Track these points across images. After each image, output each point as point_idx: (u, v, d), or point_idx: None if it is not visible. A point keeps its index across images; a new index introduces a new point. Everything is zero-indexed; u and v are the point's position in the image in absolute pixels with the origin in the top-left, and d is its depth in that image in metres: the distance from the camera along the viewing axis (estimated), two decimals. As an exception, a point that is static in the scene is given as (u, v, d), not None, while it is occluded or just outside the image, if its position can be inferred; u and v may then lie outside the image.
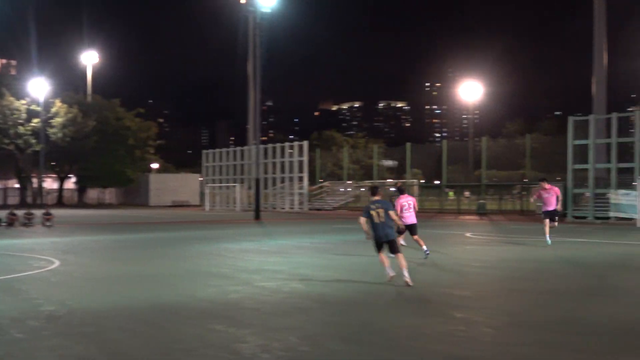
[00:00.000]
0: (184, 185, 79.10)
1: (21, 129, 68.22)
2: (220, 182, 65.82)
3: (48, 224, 33.67)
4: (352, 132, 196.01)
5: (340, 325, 9.22)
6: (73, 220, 41.22)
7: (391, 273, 12.80)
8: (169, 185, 78.05)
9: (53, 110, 69.72)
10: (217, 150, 70.08)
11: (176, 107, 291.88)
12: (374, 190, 13.31)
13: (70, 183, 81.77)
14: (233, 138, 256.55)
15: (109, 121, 74.83)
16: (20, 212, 35.07)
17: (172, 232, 29.24)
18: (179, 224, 37.64)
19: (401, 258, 12.76)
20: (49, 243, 23.24)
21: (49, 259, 17.79)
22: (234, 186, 61.75)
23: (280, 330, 8.72)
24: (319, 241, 23.77)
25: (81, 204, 76.43)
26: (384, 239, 12.76)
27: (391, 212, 12.78)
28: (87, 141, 70.97)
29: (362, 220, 12.81)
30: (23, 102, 68.92)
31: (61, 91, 75.05)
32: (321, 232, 27.51)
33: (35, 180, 73.25)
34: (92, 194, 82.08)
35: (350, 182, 64.61)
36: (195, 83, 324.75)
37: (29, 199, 71.86)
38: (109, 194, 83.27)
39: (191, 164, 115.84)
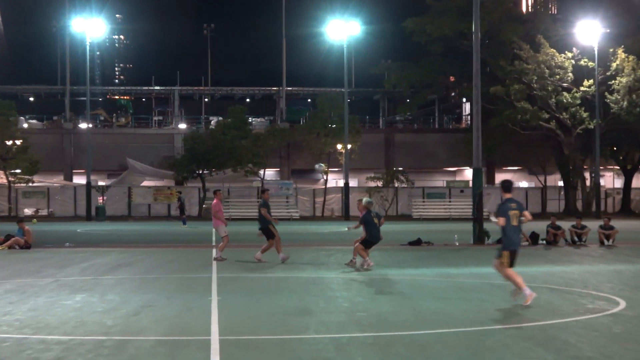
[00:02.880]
0: None
1: (567, 97, 70.43)
2: None
3: (608, 242, 34.54)
4: None
5: None
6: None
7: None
8: None
9: (614, 66, 70.66)
10: None
11: None
12: (506, 186, 17.47)
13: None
14: None
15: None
16: (565, 223, 36.63)
17: None
18: None
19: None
20: (610, 272, 23.77)
21: (609, 297, 18.23)
22: None
23: None
24: None
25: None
26: (516, 247, 16.97)
27: (526, 213, 17.17)
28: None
29: (502, 221, 16.55)
30: (569, 55, 71.17)
31: (625, 37, 73.92)
32: None
33: (588, 176, 74.77)
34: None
35: None
36: None
37: (580, 203, 73.88)
38: None
39: None
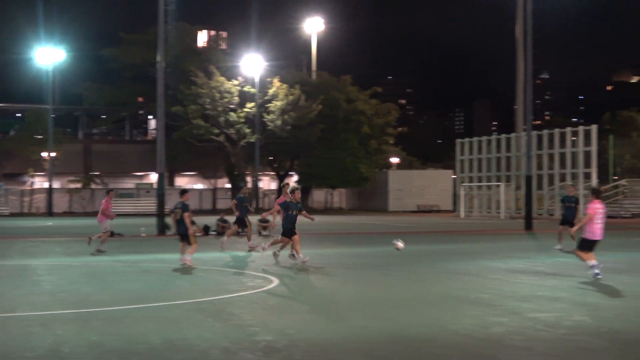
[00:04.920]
0: (432, 185, 79.79)
1: (233, 116, 72.03)
2: (479, 181, 65.61)
3: (265, 233, 35.39)
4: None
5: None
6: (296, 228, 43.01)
7: None
8: (413, 185, 79.12)
9: (270, 92, 72.64)
10: (475, 139, 69.79)
11: (422, 84, 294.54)
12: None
13: (292, 182, 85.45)
14: (496, 123, 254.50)
15: (338, 104, 76.39)
16: (232, 218, 37.22)
17: (418, 244, 29.55)
18: (427, 234, 38.02)
19: None
20: (268, 256, 24.45)
21: (266, 276, 18.75)
22: (497, 186, 61.30)
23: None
24: (613, 259, 22.95)
25: (306, 208, 79.09)
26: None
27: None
28: (311, 130, 73.15)
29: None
30: (235, 82, 72.70)
31: (280, 68, 78.11)
32: (615, 248, 26.52)
33: (249, 180, 76.91)
34: (319, 196, 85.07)
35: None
36: (445, 53, 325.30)
37: (243, 203, 75.69)
38: (339, 196, 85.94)
39: (441, 158, 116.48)
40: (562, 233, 26.22)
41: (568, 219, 26.06)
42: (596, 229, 17.38)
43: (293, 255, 21.55)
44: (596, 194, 18.26)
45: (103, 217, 26.38)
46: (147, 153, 76.81)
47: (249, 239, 28.23)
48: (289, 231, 21.65)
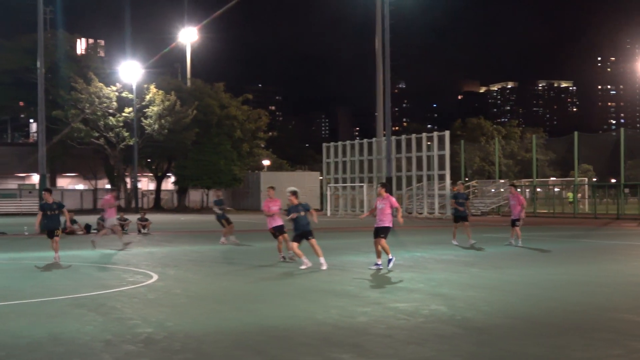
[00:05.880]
0: (300, 186, 78.38)
1: (112, 120, 70.98)
2: (344, 182, 66.30)
3: (144, 231, 35.00)
4: (504, 120, 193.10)
5: (489, 357, 9.14)
6: (173, 227, 42.66)
7: None
8: (283, 186, 79.15)
9: (147, 97, 71.98)
10: (340, 143, 70.48)
11: (289, 92, 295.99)
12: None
13: (169, 183, 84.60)
14: (358, 128, 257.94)
15: (212, 110, 76.37)
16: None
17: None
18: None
19: None
20: (146, 254, 24.16)
21: (145, 272, 18.52)
22: (361, 186, 62.08)
23: (417, 362, 8.72)
24: (464, 254, 23.57)
25: (181, 207, 78.71)
26: None
27: None
28: (187, 134, 72.82)
29: None
30: (113, 88, 71.62)
31: (156, 75, 77.60)
32: (465, 243, 27.22)
33: (129, 181, 76.02)
34: (194, 196, 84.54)
35: (503, 180, 63.61)
36: (312, 63, 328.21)
37: (122, 202, 74.67)
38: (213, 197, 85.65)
39: (309, 160, 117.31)
40: (457, 229, 27.44)
41: (460, 215, 27.24)
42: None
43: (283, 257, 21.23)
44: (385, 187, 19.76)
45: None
46: (29, 155, 75.05)
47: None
48: (303, 234, 19.53)
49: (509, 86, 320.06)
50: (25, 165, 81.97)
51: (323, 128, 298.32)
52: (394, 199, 19.50)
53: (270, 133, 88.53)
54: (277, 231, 21.21)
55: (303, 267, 19.04)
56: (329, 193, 65.07)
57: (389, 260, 18.73)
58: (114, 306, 13.13)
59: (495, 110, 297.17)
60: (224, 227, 29.13)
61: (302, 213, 19.66)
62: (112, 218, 26.82)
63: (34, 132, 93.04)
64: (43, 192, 22.28)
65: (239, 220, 52.56)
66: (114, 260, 21.92)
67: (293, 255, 20.15)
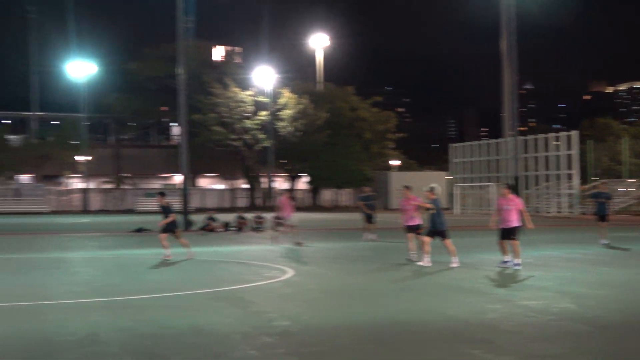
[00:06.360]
0: (428, 185, 79.58)
1: (248, 123, 72.25)
2: (472, 181, 65.52)
3: (279, 229, 35.46)
4: (633, 119, 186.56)
5: (620, 355, 8.87)
6: (307, 224, 43.06)
7: None
8: (412, 186, 78.78)
9: (281, 101, 73.01)
10: (467, 143, 69.84)
11: (418, 94, 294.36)
12: None
13: (302, 183, 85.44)
14: (486, 129, 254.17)
15: (343, 112, 76.74)
16: (249, 216, 37.29)
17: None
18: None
19: None
20: (282, 250, 24.49)
21: (281, 268, 18.78)
22: (488, 186, 61.21)
23: (546, 359, 8.55)
24: (593, 252, 22.94)
25: (315, 206, 79.34)
26: None
27: None
28: (319, 135, 73.47)
29: None
30: (249, 93, 72.90)
31: (289, 80, 78.56)
32: (595, 242, 26.44)
33: (264, 181, 77.23)
34: (327, 195, 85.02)
35: (633, 180, 61.51)
36: (439, 66, 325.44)
37: (259, 201, 75.93)
38: (345, 195, 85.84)
39: (437, 161, 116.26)
40: (603, 228, 26.00)
41: (601, 213, 26.15)
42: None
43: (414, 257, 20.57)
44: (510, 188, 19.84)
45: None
46: (171, 156, 77.02)
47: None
48: (437, 232, 19.29)
49: (637, 85, 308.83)
50: (168, 166, 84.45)
51: (451, 130, 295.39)
52: (519, 201, 19.13)
53: (398, 134, 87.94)
54: (412, 230, 20.99)
55: (421, 263, 18.95)
56: (456, 192, 64.41)
57: (515, 264, 18.31)
58: (251, 300, 13.38)
59: (623, 109, 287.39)
60: (369, 223, 29.45)
61: (434, 210, 19.32)
62: (289, 217, 28.04)
63: (175, 135, 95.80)
64: (157, 195, 22.48)
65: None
66: (251, 257, 22.30)
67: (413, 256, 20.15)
